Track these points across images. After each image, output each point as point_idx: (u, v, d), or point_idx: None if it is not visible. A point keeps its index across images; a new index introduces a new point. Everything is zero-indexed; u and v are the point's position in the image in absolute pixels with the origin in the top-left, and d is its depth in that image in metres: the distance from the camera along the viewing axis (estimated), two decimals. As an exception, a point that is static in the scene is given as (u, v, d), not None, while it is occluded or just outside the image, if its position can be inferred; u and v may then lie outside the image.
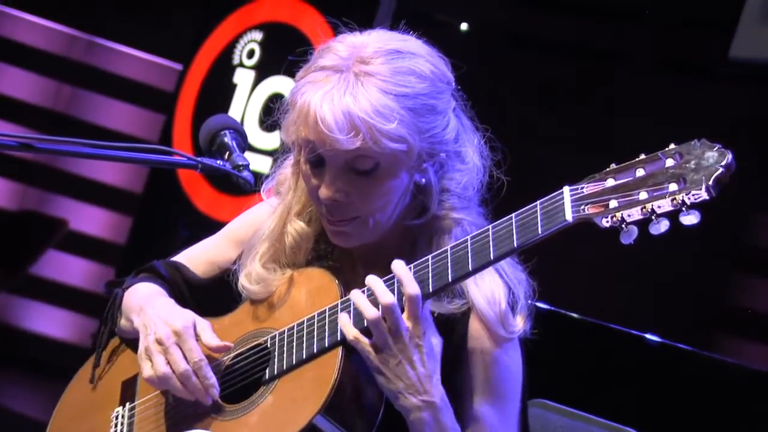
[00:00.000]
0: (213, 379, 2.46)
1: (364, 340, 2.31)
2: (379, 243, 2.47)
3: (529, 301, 2.43)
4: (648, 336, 4.28)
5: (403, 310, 2.30)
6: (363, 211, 2.40)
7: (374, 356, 2.30)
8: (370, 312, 2.29)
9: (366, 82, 2.34)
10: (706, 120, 5.48)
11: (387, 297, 2.28)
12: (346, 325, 2.33)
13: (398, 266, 2.31)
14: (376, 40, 2.40)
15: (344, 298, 2.41)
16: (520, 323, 2.42)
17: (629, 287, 5.52)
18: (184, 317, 2.53)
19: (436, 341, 2.32)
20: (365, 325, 2.32)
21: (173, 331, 2.49)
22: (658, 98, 5.84)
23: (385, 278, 2.34)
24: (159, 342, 2.48)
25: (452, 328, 2.41)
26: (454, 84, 2.46)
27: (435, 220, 2.46)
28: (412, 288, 2.28)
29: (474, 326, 2.42)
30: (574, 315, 4.10)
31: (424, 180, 2.43)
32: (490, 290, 2.40)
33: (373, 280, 2.31)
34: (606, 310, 4.68)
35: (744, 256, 5.63)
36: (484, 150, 2.49)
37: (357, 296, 2.33)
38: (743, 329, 5.56)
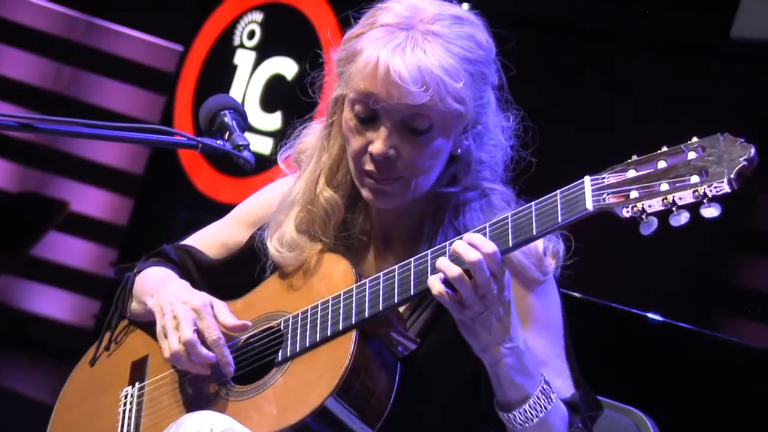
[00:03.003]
0: (230, 357, 2.47)
1: (449, 296, 2.26)
2: (405, 210, 2.48)
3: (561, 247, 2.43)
4: (650, 315, 4.28)
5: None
6: (408, 172, 2.40)
7: (460, 311, 2.27)
8: (454, 271, 2.25)
9: (432, 41, 2.35)
10: (708, 100, 5.47)
11: (473, 254, 2.23)
12: (433, 279, 2.28)
13: (466, 236, 2.26)
14: (434, 5, 2.42)
15: (360, 283, 2.41)
16: (551, 261, 2.42)
17: (631, 267, 5.52)
18: (202, 296, 2.54)
19: (509, 281, 2.30)
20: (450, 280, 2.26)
21: (192, 308, 2.50)
22: (659, 78, 5.83)
23: (434, 248, 2.33)
24: (175, 318, 2.50)
25: None
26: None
27: (465, 190, 2.47)
28: (488, 246, 2.24)
29: (510, 277, 2.40)
30: (577, 294, 4.11)
31: (461, 150, 2.44)
32: None
33: (457, 244, 2.26)
34: (608, 290, 4.68)
35: (746, 237, 5.63)
36: (511, 129, 2.51)
37: (439, 260, 2.28)
38: (745, 308, 5.56)
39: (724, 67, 5.69)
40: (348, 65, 2.40)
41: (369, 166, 2.41)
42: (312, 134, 2.60)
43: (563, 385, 2.43)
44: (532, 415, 2.31)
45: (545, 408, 2.32)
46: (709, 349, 4.27)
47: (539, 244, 2.41)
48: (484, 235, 2.27)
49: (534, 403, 2.31)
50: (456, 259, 2.25)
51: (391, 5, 2.42)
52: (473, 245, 2.24)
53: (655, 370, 4.23)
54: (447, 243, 2.31)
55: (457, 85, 2.34)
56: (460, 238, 2.28)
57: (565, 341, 2.47)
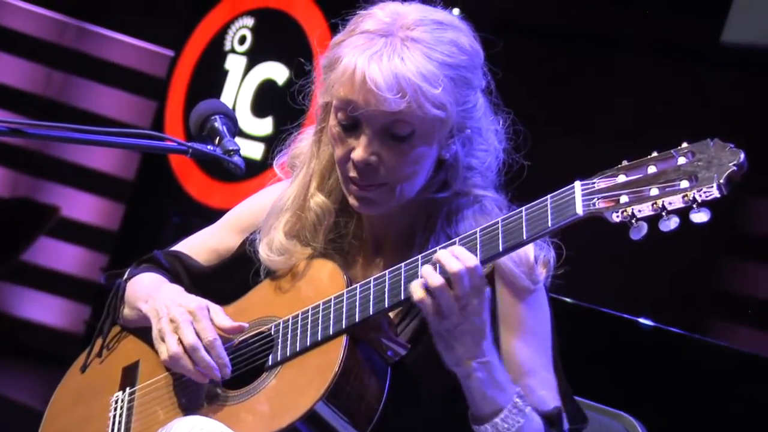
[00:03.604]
0: (226, 359, 2.48)
1: (430, 303, 2.27)
2: (395, 216, 2.49)
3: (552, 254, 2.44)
4: (641, 320, 4.29)
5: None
6: (392, 178, 2.40)
7: (438, 321, 2.28)
8: (436, 279, 2.26)
9: (412, 47, 2.35)
10: (699, 104, 5.48)
11: (455, 265, 2.24)
12: (415, 284, 2.29)
13: (450, 248, 2.28)
14: (417, 10, 2.42)
15: (350, 288, 2.41)
16: (543, 271, 2.43)
17: (622, 272, 5.52)
18: (197, 300, 2.55)
19: (487, 295, 2.30)
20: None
21: (188, 311, 2.50)
22: (650, 83, 5.84)
23: (425, 253, 2.34)
24: (172, 321, 2.50)
25: None
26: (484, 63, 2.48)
27: (456, 196, 2.47)
28: (471, 261, 2.25)
29: (501, 285, 2.43)
30: (567, 300, 4.11)
31: (448, 155, 2.44)
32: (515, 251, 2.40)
33: (441, 254, 2.27)
34: (599, 295, 4.69)
35: (736, 241, 5.64)
36: (503, 132, 2.51)
37: (424, 267, 2.29)
38: (735, 313, 5.57)
39: (715, 71, 5.70)
40: (329, 72, 2.41)
41: (352, 173, 2.41)
42: (306, 139, 2.61)
43: (547, 396, 2.43)
44: (503, 428, 2.32)
45: (518, 422, 2.32)
46: (699, 353, 4.27)
47: (530, 253, 2.42)
48: (475, 239, 2.28)
49: (506, 416, 2.32)
50: (439, 268, 2.26)
51: (373, 11, 2.43)
52: (456, 257, 2.25)
53: (646, 374, 4.23)
54: (438, 248, 2.32)
55: (436, 91, 2.33)
56: (445, 247, 2.29)
57: (553, 352, 2.47)
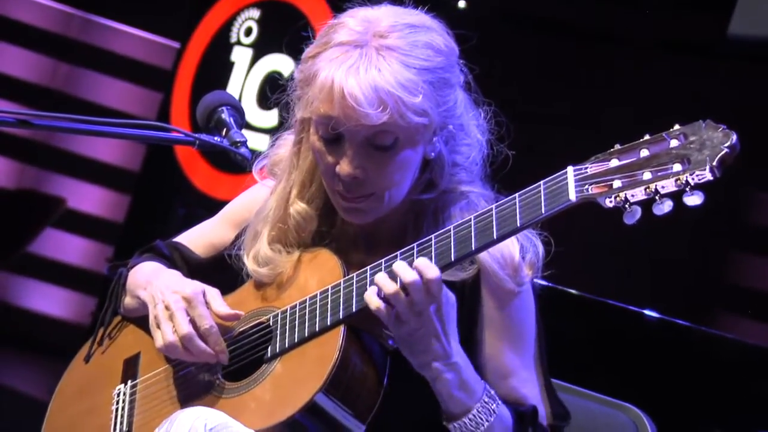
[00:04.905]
0: (223, 345, 2.49)
1: (387, 312, 2.29)
2: (382, 219, 2.48)
3: (541, 252, 2.45)
4: (647, 312, 4.29)
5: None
6: (379, 187, 2.40)
7: (399, 328, 2.30)
8: (390, 287, 2.28)
9: (388, 56, 2.33)
10: (705, 98, 5.47)
11: (409, 275, 2.27)
12: (369, 295, 2.31)
13: (419, 261, 2.29)
14: (388, 15, 2.40)
15: (347, 277, 2.41)
16: (528, 272, 2.44)
17: (628, 263, 5.52)
18: (193, 284, 2.55)
19: (448, 299, 2.33)
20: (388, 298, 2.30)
21: (183, 297, 2.51)
22: (657, 76, 5.83)
23: (402, 251, 2.35)
24: (167, 308, 2.50)
25: (464, 292, 2.43)
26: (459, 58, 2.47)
27: (442, 194, 2.47)
28: (432, 272, 2.27)
29: (486, 288, 2.44)
30: (573, 291, 4.11)
31: (433, 154, 2.44)
32: (499, 251, 2.41)
33: (396, 265, 2.30)
34: (605, 287, 4.68)
35: (742, 234, 5.63)
36: (484, 124, 2.50)
37: (378, 275, 2.32)
38: (740, 306, 5.57)
39: (722, 64, 5.68)
40: (306, 88, 2.39)
41: (339, 187, 2.41)
42: (285, 146, 2.60)
43: (529, 395, 2.46)
44: (473, 427, 2.34)
45: (487, 420, 2.35)
46: (705, 345, 4.27)
47: (515, 253, 2.43)
48: (469, 227, 2.28)
49: (474, 416, 2.35)
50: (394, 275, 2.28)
51: (345, 21, 2.40)
52: (414, 267, 2.26)
53: (652, 366, 4.23)
54: (432, 236, 2.32)
55: (416, 99, 2.32)
56: (404, 259, 2.31)
57: (536, 351, 2.49)
